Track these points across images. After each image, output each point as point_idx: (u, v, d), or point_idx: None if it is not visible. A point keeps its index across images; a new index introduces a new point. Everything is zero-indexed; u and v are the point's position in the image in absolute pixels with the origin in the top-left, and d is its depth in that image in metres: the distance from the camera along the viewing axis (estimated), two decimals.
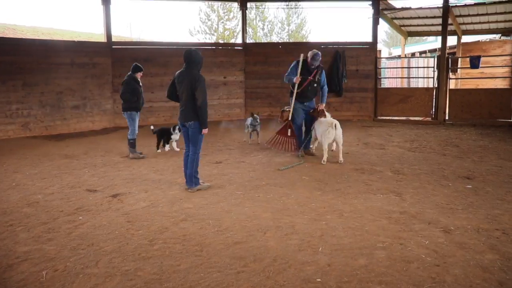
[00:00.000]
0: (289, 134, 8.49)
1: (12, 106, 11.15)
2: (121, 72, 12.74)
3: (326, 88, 8.59)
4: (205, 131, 6.11)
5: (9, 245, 4.40)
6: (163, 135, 9.22)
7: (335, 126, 7.77)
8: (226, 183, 6.63)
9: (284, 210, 5.34)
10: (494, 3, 13.74)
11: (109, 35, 12.74)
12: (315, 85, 8.37)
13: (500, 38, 19.18)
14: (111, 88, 12.78)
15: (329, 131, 7.77)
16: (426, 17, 16.14)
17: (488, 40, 19.46)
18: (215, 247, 4.28)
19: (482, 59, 13.53)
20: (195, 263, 3.94)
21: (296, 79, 8.25)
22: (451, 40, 16.96)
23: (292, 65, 8.52)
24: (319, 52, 8.36)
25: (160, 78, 13.34)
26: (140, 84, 8.70)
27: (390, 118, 13.82)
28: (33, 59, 11.48)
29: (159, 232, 4.68)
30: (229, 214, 5.23)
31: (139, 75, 8.64)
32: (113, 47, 12.83)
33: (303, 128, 8.73)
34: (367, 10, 14.12)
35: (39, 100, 11.57)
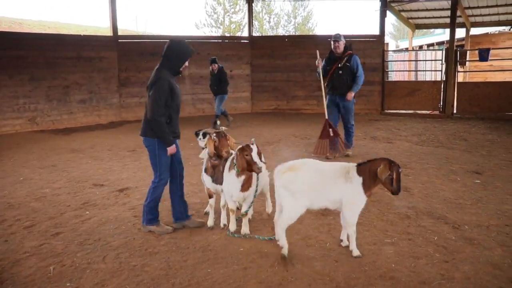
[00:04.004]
0: (331, 134, 7.67)
1: (19, 100, 11.18)
2: (127, 66, 12.76)
3: (360, 74, 7.72)
4: (171, 149, 4.42)
5: (17, 239, 4.41)
6: None
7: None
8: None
9: None
10: None
11: (115, 29, 12.70)
12: (341, 72, 7.67)
13: (510, 30, 18.97)
14: (117, 82, 12.76)
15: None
16: (434, 9, 15.98)
17: (497, 32, 19.25)
18: (222, 242, 4.26)
19: (491, 51, 13.38)
20: (202, 258, 3.93)
21: (317, 63, 7.83)
22: (460, 33, 16.80)
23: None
24: (339, 33, 7.77)
25: None
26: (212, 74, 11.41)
27: (398, 111, 13.71)
28: (40, 53, 11.49)
29: None
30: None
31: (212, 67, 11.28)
32: (119, 40, 12.80)
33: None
34: (375, 2, 14.01)
35: (46, 94, 11.59)
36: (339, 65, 7.73)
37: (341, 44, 7.72)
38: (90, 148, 9.01)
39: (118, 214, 5.10)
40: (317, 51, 7.95)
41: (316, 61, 7.90)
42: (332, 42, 7.77)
